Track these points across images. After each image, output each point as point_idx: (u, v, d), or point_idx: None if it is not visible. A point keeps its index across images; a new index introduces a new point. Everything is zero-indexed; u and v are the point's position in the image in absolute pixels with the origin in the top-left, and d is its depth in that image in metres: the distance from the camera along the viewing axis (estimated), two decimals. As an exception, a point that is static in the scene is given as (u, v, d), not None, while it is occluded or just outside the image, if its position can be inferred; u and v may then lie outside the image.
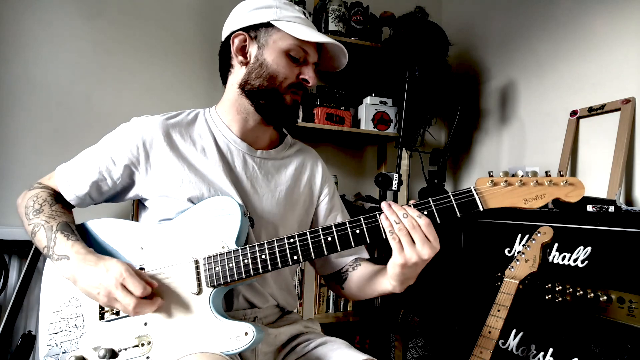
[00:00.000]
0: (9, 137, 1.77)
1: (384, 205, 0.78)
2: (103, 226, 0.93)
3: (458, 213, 0.77)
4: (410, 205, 0.79)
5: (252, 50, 0.94)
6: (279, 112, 0.95)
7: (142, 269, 0.86)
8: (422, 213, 0.78)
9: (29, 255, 1.54)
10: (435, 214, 0.77)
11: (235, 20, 0.96)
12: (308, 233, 0.80)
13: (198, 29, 2.08)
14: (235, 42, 0.94)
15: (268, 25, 0.92)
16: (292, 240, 0.81)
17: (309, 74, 0.94)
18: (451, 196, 0.77)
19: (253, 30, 0.94)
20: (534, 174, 0.77)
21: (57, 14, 1.85)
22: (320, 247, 0.80)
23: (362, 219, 0.80)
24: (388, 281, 0.85)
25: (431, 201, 0.78)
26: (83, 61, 1.88)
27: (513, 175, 0.78)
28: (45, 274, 0.93)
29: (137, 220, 1.01)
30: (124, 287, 0.77)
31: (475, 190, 0.77)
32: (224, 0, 2.09)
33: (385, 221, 0.77)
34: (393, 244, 0.76)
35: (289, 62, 0.93)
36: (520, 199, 0.76)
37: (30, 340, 1.51)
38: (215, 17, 2.09)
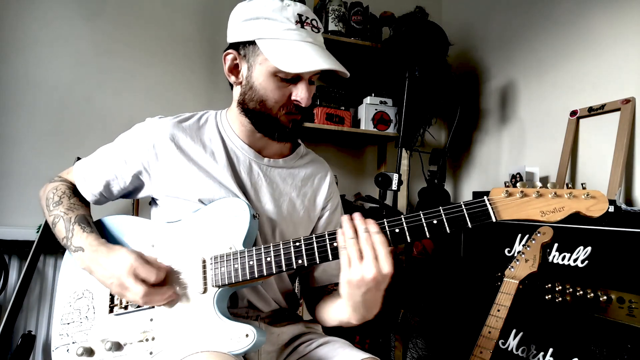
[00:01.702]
0: (9, 137, 1.77)
1: (343, 218, 0.75)
2: (118, 222, 0.96)
3: (469, 223, 0.74)
4: (380, 221, 0.75)
5: (243, 69, 0.90)
6: (275, 131, 0.92)
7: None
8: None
9: (29, 255, 1.54)
10: (445, 223, 0.74)
11: (230, 31, 0.91)
12: (314, 237, 0.79)
13: (198, 30, 2.08)
14: (227, 62, 0.91)
15: (254, 43, 0.85)
16: (297, 244, 0.80)
17: (300, 95, 0.86)
18: (463, 206, 0.74)
19: (242, 48, 0.88)
20: (553, 185, 0.73)
21: (57, 14, 1.85)
22: (325, 252, 0.78)
23: None
24: (344, 308, 0.81)
25: (442, 210, 0.75)
26: (83, 61, 1.88)
27: (531, 186, 0.74)
28: (62, 266, 0.96)
29: (137, 216, 1.03)
30: (135, 276, 0.79)
31: (488, 200, 0.74)
32: (224, 0, 2.11)
33: (341, 236, 0.74)
34: (341, 259, 0.73)
35: (278, 83, 0.86)
36: (537, 212, 0.72)
37: (30, 340, 1.51)
38: (215, 18, 2.09)
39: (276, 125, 0.90)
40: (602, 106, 1.55)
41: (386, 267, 0.70)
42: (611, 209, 1.22)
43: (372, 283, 0.71)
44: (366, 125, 2.08)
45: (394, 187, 1.80)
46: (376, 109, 2.09)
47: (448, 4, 2.56)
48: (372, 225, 0.73)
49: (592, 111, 1.58)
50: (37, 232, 1.58)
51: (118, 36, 1.94)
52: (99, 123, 1.88)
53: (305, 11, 0.86)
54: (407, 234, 0.76)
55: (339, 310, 0.86)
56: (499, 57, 2.10)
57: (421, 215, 0.76)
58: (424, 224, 0.75)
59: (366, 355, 0.87)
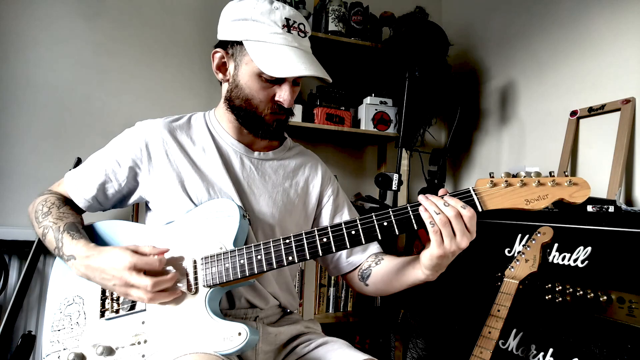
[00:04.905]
0: (9, 137, 1.77)
1: (421, 197, 0.76)
2: (110, 227, 0.95)
3: None
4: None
5: (230, 68, 0.93)
6: (260, 129, 0.94)
7: None
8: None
9: (29, 255, 1.54)
10: None
11: (220, 29, 0.94)
12: (304, 234, 0.80)
13: (198, 30, 2.08)
14: (215, 60, 0.94)
15: (241, 43, 0.88)
16: (287, 241, 0.81)
17: (283, 96, 0.89)
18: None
19: (230, 47, 0.92)
20: (537, 174, 0.75)
21: (57, 14, 1.85)
22: (315, 248, 0.79)
23: (357, 219, 0.79)
24: (421, 271, 0.83)
25: None
26: (83, 61, 1.88)
27: (514, 176, 0.76)
28: (52, 272, 0.96)
29: (136, 220, 1.03)
30: (138, 270, 0.78)
31: (473, 190, 0.75)
32: (223, 1, 2.11)
33: (425, 212, 0.74)
34: (433, 237, 0.74)
35: (262, 84, 0.89)
36: (522, 200, 0.74)
37: (30, 340, 1.51)
38: (215, 18, 2.06)
39: (260, 124, 0.93)
40: (602, 106, 1.55)
41: (474, 235, 0.75)
42: (611, 209, 1.21)
43: (461, 250, 0.75)
44: (366, 125, 2.08)
45: (394, 187, 1.80)
46: (376, 109, 2.09)
47: (448, 4, 2.56)
48: (454, 201, 0.74)
49: (592, 111, 1.58)
50: (37, 232, 1.58)
51: (118, 36, 1.94)
52: (99, 123, 1.88)
53: (293, 15, 0.88)
54: (395, 226, 0.77)
55: (413, 276, 0.87)
56: (499, 57, 2.10)
57: (408, 207, 0.77)
58: (412, 216, 0.76)
59: (365, 356, 0.88)
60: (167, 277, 0.80)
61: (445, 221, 0.73)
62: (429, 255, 0.77)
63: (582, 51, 1.66)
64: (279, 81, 0.89)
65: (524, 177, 0.75)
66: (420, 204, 0.76)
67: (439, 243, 0.74)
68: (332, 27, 2.01)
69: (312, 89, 2.15)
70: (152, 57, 1.99)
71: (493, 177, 0.76)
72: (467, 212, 0.73)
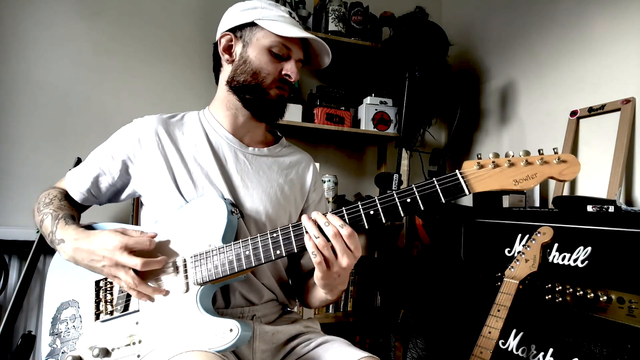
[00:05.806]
0: (9, 137, 1.77)
1: (304, 218, 0.78)
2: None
3: (442, 198, 0.73)
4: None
5: (238, 48, 0.98)
6: (263, 105, 0.98)
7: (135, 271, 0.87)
8: (346, 222, 0.76)
9: (29, 255, 1.54)
10: (419, 200, 0.74)
11: (225, 22, 1.01)
12: (290, 226, 0.80)
13: (197, 30, 2.09)
14: (222, 42, 1.00)
15: (252, 24, 0.97)
16: (275, 234, 0.81)
17: (291, 70, 0.97)
18: (435, 181, 0.74)
19: (239, 30, 0.98)
20: (526, 153, 0.72)
21: (57, 14, 1.85)
22: (302, 241, 0.79)
23: (344, 209, 0.78)
24: (322, 291, 0.89)
25: (414, 187, 0.75)
26: (83, 61, 1.88)
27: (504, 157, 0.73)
28: (47, 276, 0.97)
29: (136, 219, 1.04)
30: (129, 250, 0.80)
31: (460, 174, 0.73)
32: (223, 0, 2.11)
33: (309, 242, 0.76)
34: (314, 259, 0.76)
35: (271, 58, 0.96)
36: (510, 181, 0.71)
37: (30, 340, 1.51)
38: (215, 18, 2.07)
39: (264, 99, 0.97)
40: (602, 106, 1.55)
41: (358, 253, 0.77)
42: (611, 209, 1.22)
43: (348, 269, 0.78)
44: (366, 125, 2.08)
45: (394, 187, 1.80)
46: (376, 109, 2.09)
47: (448, 4, 2.56)
48: (335, 219, 0.76)
49: (592, 111, 1.58)
50: (37, 232, 1.58)
51: (118, 36, 1.94)
52: (99, 123, 1.88)
53: (293, 13, 1.02)
54: (381, 214, 0.76)
55: (320, 294, 0.94)
56: (499, 57, 2.10)
57: (394, 194, 0.76)
58: (398, 203, 0.75)
59: (365, 354, 0.88)
60: (157, 259, 0.82)
61: (325, 244, 0.75)
62: (315, 276, 0.81)
63: (582, 51, 1.66)
64: (286, 58, 0.97)
65: (512, 157, 0.72)
66: (303, 228, 0.78)
67: (318, 264, 0.77)
68: (332, 27, 2.02)
69: (312, 89, 2.15)
70: (152, 57, 1.99)
71: (480, 158, 0.74)
72: (346, 231, 0.75)
